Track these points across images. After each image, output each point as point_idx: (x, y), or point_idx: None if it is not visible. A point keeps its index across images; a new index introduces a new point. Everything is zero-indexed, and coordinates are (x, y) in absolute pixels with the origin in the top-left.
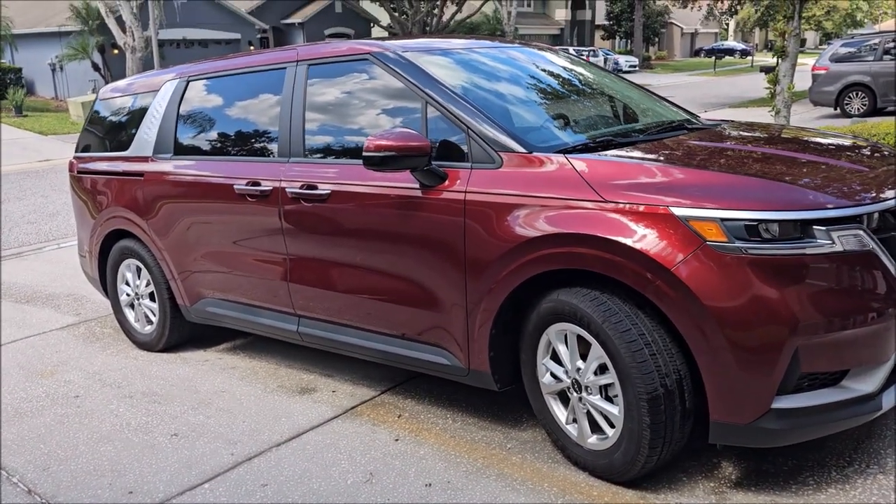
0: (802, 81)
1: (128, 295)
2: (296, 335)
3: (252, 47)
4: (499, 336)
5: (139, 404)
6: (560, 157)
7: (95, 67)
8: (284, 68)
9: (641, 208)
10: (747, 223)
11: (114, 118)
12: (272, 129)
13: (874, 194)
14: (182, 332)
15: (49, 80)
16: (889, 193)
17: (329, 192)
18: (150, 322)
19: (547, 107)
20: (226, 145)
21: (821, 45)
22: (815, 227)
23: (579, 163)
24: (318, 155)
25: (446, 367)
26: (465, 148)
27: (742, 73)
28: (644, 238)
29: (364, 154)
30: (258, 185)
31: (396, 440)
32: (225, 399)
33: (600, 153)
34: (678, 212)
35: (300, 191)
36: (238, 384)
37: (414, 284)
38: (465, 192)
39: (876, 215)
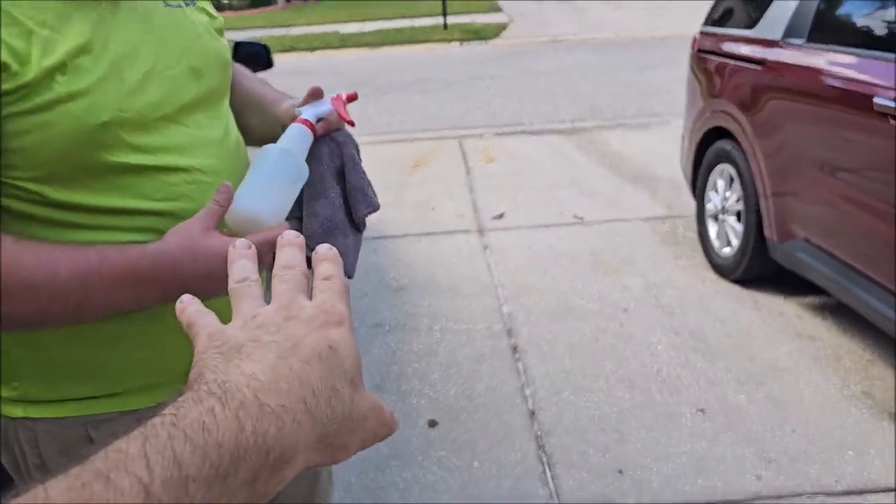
0: None
1: (714, 205)
2: (891, 325)
3: None
4: None
5: (681, 346)
6: None
7: None
8: None
9: None
10: None
11: None
12: None
13: None
14: (763, 268)
15: None
16: None
17: None
18: (728, 244)
19: None
20: (872, 37)
21: None
22: None
23: None
24: None
25: None
26: None
27: None
28: None
29: None
30: None
31: None
32: (782, 383)
33: None
34: None
35: None
36: (807, 366)
37: None
38: None
39: None
